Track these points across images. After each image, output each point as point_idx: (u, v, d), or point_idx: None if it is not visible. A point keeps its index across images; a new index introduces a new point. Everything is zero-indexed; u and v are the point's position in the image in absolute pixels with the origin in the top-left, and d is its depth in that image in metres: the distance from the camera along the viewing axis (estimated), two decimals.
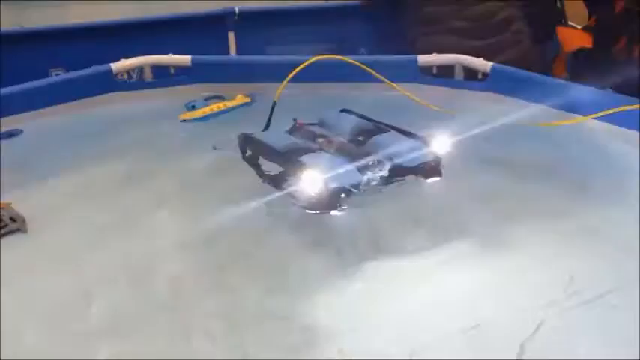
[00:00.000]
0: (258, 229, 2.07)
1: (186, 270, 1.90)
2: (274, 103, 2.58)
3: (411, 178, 2.21)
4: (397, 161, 2.17)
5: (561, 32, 3.98)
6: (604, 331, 1.64)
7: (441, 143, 2.25)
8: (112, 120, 2.86)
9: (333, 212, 2.06)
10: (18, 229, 2.09)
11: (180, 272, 1.89)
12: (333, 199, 2.06)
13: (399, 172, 2.17)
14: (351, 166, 2.12)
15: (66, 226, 2.11)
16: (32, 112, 2.84)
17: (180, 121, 2.86)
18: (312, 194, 2.05)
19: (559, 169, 2.39)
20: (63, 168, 2.43)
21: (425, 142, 2.24)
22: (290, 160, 2.17)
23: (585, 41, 3.72)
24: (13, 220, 2.10)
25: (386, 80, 2.97)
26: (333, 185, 2.05)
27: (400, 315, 1.72)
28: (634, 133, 2.52)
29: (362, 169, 2.13)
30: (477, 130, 2.38)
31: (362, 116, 2.46)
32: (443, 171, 2.24)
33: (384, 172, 2.15)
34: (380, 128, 2.37)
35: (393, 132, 2.34)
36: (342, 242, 2.00)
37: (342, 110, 2.52)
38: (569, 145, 2.56)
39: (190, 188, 2.32)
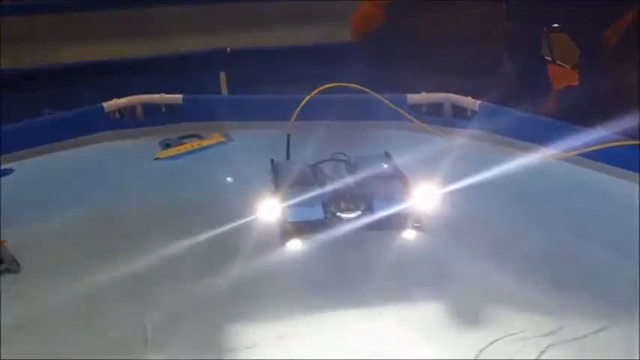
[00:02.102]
0: (211, 257, 2.14)
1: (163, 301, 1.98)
2: (289, 135, 2.70)
3: (388, 226, 2.23)
4: (376, 209, 2.21)
5: (550, 70, 4.02)
6: None
7: (428, 197, 2.26)
8: (100, 159, 2.90)
9: (290, 244, 2.15)
10: (8, 270, 2.11)
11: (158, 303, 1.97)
12: (289, 231, 2.16)
13: (376, 221, 2.20)
14: (317, 204, 2.20)
15: (52, 264, 2.15)
16: (24, 151, 2.85)
17: (154, 159, 2.88)
18: (274, 224, 2.19)
19: (550, 210, 2.39)
20: (52, 208, 2.47)
21: (412, 195, 2.27)
22: (280, 190, 2.30)
23: (573, 79, 3.76)
24: (2, 260, 2.11)
25: (414, 119, 3.03)
26: (291, 219, 2.17)
27: None
28: (626, 171, 2.52)
29: (333, 208, 2.19)
30: (467, 179, 2.39)
31: (391, 162, 2.55)
32: (424, 224, 2.25)
33: (357, 216, 2.19)
34: (391, 175, 2.42)
35: (394, 180, 2.38)
36: (282, 276, 2.05)
37: (386, 153, 2.64)
38: (559, 185, 2.56)
39: (158, 225, 2.37)
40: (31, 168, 2.79)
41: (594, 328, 1.78)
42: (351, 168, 2.49)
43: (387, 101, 3.02)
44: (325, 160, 2.54)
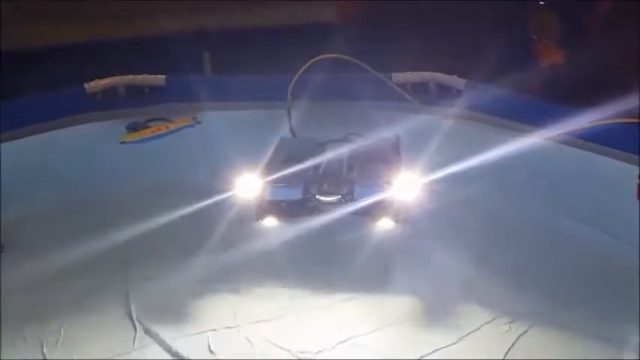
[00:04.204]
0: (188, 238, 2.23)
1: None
2: (289, 110, 2.71)
3: (367, 213, 2.23)
4: (357, 195, 2.20)
5: (536, 49, 4.00)
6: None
7: (410, 185, 2.24)
8: (78, 141, 2.86)
9: (266, 222, 2.18)
10: None
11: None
12: (266, 210, 2.18)
13: (356, 207, 2.20)
14: (299, 184, 2.19)
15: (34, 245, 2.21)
16: (4, 134, 2.80)
17: (120, 143, 2.83)
18: (253, 200, 2.20)
19: (538, 193, 2.39)
20: (31, 190, 2.52)
21: (395, 183, 2.24)
22: (273, 166, 2.28)
23: (558, 58, 3.74)
24: None
25: (411, 99, 3.03)
26: (269, 197, 2.18)
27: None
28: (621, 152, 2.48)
29: (314, 190, 2.19)
30: (452, 165, 2.38)
31: (396, 146, 2.52)
32: (403, 214, 2.25)
33: (337, 199, 2.19)
34: (385, 160, 2.38)
35: (384, 166, 2.34)
36: (259, 256, 2.11)
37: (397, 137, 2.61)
38: (547, 166, 2.55)
39: (135, 207, 2.43)
40: (9, 150, 2.74)
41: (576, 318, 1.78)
42: (354, 149, 2.45)
43: (386, 79, 3.00)
44: (333, 140, 2.51)
